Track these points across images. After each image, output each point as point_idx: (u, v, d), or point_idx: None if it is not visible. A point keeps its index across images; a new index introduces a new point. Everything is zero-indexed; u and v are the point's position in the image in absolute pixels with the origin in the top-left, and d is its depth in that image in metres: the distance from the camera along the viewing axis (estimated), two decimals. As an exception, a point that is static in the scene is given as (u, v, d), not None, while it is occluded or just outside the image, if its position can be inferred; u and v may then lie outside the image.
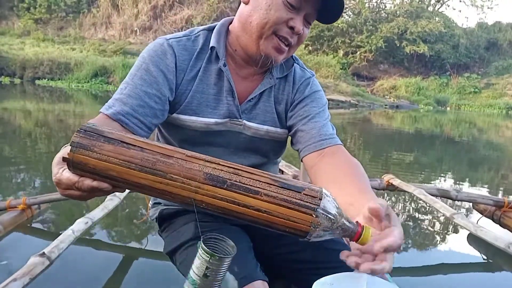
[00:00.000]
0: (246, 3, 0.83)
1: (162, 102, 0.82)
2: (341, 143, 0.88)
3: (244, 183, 0.51)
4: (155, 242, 2.07)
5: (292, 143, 0.96)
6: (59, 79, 16.09)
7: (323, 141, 0.86)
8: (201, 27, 0.92)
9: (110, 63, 16.66)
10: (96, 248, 2.00)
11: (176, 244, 0.94)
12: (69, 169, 0.54)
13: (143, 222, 2.31)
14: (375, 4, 24.03)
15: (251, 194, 0.51)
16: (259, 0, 0.79)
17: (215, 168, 0.52)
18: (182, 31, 0.96)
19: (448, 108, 20.11)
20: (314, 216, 0.51)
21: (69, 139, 0.53)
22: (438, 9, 25.41)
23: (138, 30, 22.84)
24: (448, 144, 7.84)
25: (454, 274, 1.98)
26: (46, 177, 3.30)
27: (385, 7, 24.35)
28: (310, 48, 21.42)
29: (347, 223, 0.54)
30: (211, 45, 0.86)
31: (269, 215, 0.51)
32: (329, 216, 0.52)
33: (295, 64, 0.95)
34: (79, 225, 1.64)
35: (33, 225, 2.20)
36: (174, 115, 0.87)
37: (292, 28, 0.79)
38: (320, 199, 0.52)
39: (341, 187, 0.72)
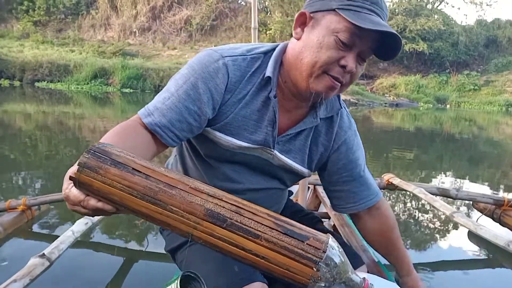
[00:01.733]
0: (298, 39, 0.79)
1: (200, 120, 0.80)
2: (382, 196, 1.01)
3: (244, 224, 0.49)
4: (155, 243, 2.07)
5: (330, 193, 1.02)
6: (58, 81, 16.06)
7: (372, 200, 0.98)
8: (259, 49, 0.86)
9: (110, 64, 16.63)
10: (96, 249, 2.00)
11: (178, 242, 0.94)
12: (75, 187, 0.55)
13: (143, 222, 2.31)
14: (374, 2, 24.00)
15: (250, 237, 0.49)
16: (311, 37, 0.75)
17: (217, 204, 0.50)
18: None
19: (448, 106, 20.09)
20: (315, 269, 0.48)
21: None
22: (437, 6, 25.37)
23: (137, 31, 22.82)
24: (448, 141, 7.84)
25: (454, 273, 1.98)
26: (46, 178, 3.30)
27: (384, 5, 24.32)
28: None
29: (352, 279, 0.50)
30: (267, 74, 0.82)
31: (266, 262, 0.49)
32: (332, 271, 0.48)
33: (342, 109, 0.93)
34: (79, 226, 1.64)
35: (33, 226, 2.20)
36: (210, 129, 0.84)
37: (343, 66, 0.75)
38: (324, 252, 0.48)
39: (388, 241, 1.03)
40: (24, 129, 5.94)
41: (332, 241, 0.50)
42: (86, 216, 1.74)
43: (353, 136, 0.95)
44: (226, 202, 0.50)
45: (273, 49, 0.86)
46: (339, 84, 0.78)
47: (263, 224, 0.49)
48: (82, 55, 18.10)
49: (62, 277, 1.64)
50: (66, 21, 23.08)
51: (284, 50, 0.85)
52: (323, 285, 0.49)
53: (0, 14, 22.32)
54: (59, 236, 1.53)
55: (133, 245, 2.06)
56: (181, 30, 22.35)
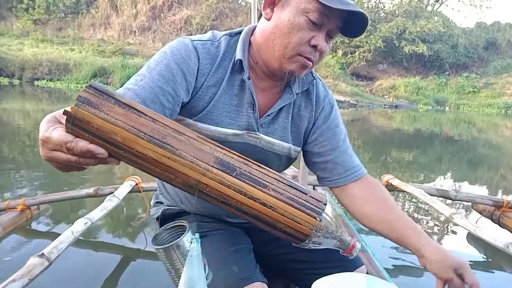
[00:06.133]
0: (268, 20, 0.80)
1: (174, 102, 0.79)
2: (366, 171, 0.94)
3: (253, 174, 0.49)
4: (154, 243, 2.06)
5: (315, 167, 0.95)
6: (58, 80, 16.05)
7: (357, 171, 0.92)
8: (222, 32, 0.89)
9: (109, 63, 16.64)
10: (95, 248, 2.00)
11: None
12: (66, 125, 0.48)
13: (142, 222, 2.31)
14: (374, 4, 24.04)
15: (259, 187, 0.49)
16: (281, 18, 0.77)
17: (226, 154, 0.49)
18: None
19: (447, 108, 20.13)
20: (318, 219, 0.50)
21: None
22: (437, 8, 25.45)
23: (137, 31, 22.81)
24: (447, 143, 7.85)
25: (453, 274, 1.98)
26: (45, 177, 3.30)
27: (384, 7, 24.38)
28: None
29: (345, 235, 0.53)
30: (237, 57, 0.83)
31: (273, 211, 0.49)
32: (331, 223, 0.51)
33: (316, 80, 0.94)
34: (78, 226, 1.63)
35: (32, 225, 2.20)
36: (192, 121, 0.84)
37: (314, 46, 0.77)
38: (325, 204, 0.51)
39: (384, 211, 0.86)
40: (23, 128, 5.93)
41: (328, 197, 0.55)
42: (85, 216, 1.74)
43: (330, 104, 0.96)
44: (233, 154, 0.50)
45: (239, 33, 0.87)
46: (311, 63, 0.81)
47: (269, 176, 0.50)
48: (82, 54, 18.09)
49: (62, 277, 1.64)
50: (66, 20, 23.05)
51: (251, 32, 0.87)
52: (322, 236, 0.51)
53: (-1, 12, 22.28)
54: (58, 236, 1.53)
55: (132, 245, 2.06)
56: (181, 30, 22.34)
